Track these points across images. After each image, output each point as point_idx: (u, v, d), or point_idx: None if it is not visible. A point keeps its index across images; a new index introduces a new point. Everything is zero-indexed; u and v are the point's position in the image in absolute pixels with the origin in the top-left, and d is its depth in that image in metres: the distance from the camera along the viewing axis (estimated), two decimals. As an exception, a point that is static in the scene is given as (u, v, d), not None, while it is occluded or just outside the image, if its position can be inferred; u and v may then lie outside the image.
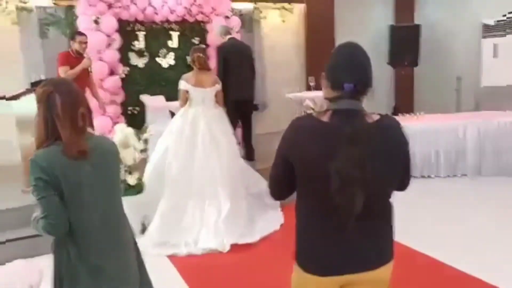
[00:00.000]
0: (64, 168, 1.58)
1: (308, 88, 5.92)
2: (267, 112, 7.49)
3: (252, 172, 4.43)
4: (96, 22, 5.43)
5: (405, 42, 7.61)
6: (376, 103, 5.03)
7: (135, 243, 1.89)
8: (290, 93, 6.22)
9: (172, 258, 3.60)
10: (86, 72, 4.87)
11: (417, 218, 4.07)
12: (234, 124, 5.03)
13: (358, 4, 8.06)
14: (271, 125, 7.48)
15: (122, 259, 1.78)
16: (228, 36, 5.22)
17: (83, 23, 5.45)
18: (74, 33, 4.92)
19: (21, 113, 4.23)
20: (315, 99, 4.99)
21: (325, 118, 1.37)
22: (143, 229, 3.86)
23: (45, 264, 1.35)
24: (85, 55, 4.79)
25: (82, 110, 1.66)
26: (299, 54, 7.68)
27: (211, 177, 3.89)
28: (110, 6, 5.59)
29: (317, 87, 5.66)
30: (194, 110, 4.03)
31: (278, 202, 4.21)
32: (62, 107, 1.59)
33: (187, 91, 4.03)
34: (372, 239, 1.41)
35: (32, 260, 1.78)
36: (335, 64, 1.41)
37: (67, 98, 1.62)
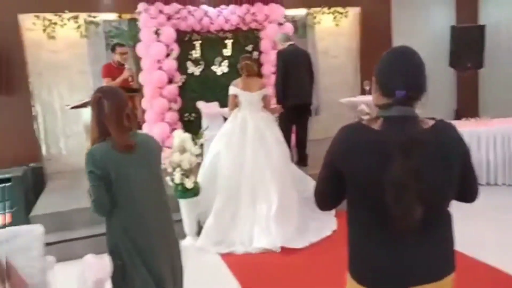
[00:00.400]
0: (114, 160, 1.92)
1: (363, 93, 5.80)
2: (319, 118, 7.43)
3: (304, 176, 4.46)
4: (156, 33, 5.71)
5: (468, 44, 7.22)
6: (435, 107, 4.83)
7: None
8: (343, 98, 6.13)
9: (224, 256, 3.72)
10: (127, 81, 5.17)
11: (481, 228, 3.85)
12: (289, 129, 5.10)
13: (416, 5, 7.78)
14: (322, 131, 7.40)
15: (165, 238, 2.08)
16: (288, 43, 5.25)
17: (144, 35, 5.75)
18: (114, 45, 5.26)
19: (89, 121, 4.54)
20: (370, 104, 4.88)
21: (376, 126, 1.31)
22: (199, 230, 3.99)
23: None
24: (126, 65, 5.10)
25: (127, 112, 1.99)
26: (353, 58, 7.55)
27: (261, 176, 4.02)
28: (169, 17, 5.86)
29: (373, 92, 5.53)
30: (243, 113, 4.23)
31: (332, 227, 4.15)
32: (109, 110, 1.93)
33: (235, 96, 4.25)
34: (433, 250, 1.34)
35: (102, 256, 1.94)
36: (386, 69, 1.36)
37: (113, 102, 1.95)
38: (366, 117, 4.58)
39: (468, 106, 7.82)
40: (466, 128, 5.17)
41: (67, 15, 5.88)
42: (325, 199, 1.48)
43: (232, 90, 4.27)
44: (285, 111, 4.85)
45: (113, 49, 5.19)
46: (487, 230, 3.93)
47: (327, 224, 4.09)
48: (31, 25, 5.84)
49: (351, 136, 1.36)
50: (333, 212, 4.19)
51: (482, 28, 7.32)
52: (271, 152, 4.12)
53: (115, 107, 1.95)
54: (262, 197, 3.98)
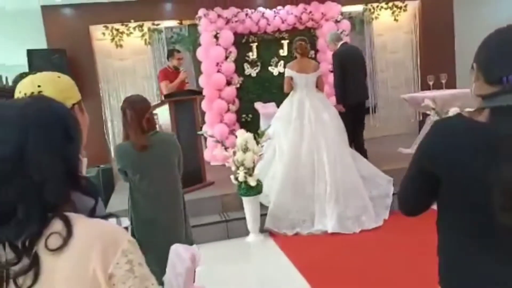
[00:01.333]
0: (132, 157, 2.50)
1: (426, 88, 5.59)
2: (376, 115, 7.26)
3: (361, 157, 4.55)
4: (215, 37, 5.88)
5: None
6: None
7: (184, 208, 2.76)
8: (405, 94, 5.95)
9: (285, 247, 3.82)
10: (183, 83, 5.38)
11: None
12: (350, 129, 5.08)
13: (481, -5, 7.37)
14: (380, 129, 7.24)
15: (172, 216, 2.61)
16: (340, 42, 5.26)
17: (204, 39, 5.95)
18: (172, 51, 5.46)
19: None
20: (435, 99, 4.70)
21: (481, 118, 1.12)
22: (262, 228, 4.07)
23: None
24: (181, 69, 5.30)
25: (147, 116, 2.49)
26: (413, 53, 7.30)
27: (319, 156, 4.15)
28: (228, 21, 6.01)
29: (436, 86, 5.32)
30: (299, 95, 4.41)
31: (389, 197, 4.24)
32: (130, 118, 2.45)
33: (291, 78, 4.43)
34: None
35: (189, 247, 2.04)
36: (491, 53, 1.18)
37: (134, 111, 2.46)
38: (432, 113, 4.43)
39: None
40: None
41: (132, 24, 6.22)
42: (412, 202, 1.34)
43: (288, 72, 4.47)
44: (346, 110, 4.94)
45: (171, 55, 5.42)
46: None
47: (381, 212, 4.11)
48: (100, 35, 6.25)
49: (450, 130, 1.18)
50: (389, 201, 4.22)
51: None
52: (329, 133, 4.25)
53: (136, 115, 2.45)
54: (320, 177, 4.12)
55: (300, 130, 4.27)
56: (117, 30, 6.20)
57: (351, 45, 5.58)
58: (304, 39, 4.67)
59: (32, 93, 1.16)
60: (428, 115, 5.11)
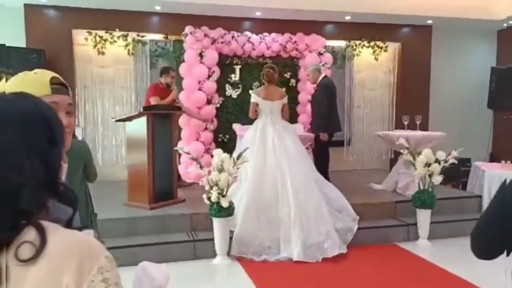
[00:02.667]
0: None
1: (401, 127, 5.77)
2: (351, 149, 7.40)
3: (326, 182, 4.59)
4: (200, 55, 5.90)
5: (509, 85, 7.11)
6: (471, 148, 4.78)
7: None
8: (380, 131, 6.11)
9: (252, 273, 3.74)
10: (173, 102, 5.35)
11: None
12: (327, 157, 5.39)
13: (457, 45, 7.76)
14: (353, 162, 7.37)
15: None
16: (322, 75, 5.52)
17: (189, 56, 5.95)
18: (168, 69, 5.43)
19: (131, 134, 4.68)
20: (409, 139, 4.84)
21: None
22: (229, 250, 4.00)
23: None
24: (173, 87, 5.28)
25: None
26: (390, 92, 7.55)
27: (282, 181, 4.16)
28: (214, 41, 6.06)
29: (411, 126, 5.49)
30: (263, 120, 4.48)
31: (351, 233, 4.28)
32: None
33: (256, 104, 4.50)
34: None
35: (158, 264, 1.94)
36: None
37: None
38: (405, 152, 4.56)
39: (504, 149, 7.62)
40: (509, 170, 5.06)
41: (117, 33, 6.16)
42: (490, 245, 1.30)
43: (254, 98, 4.56)
44: (328, 138, 5.28)
45: (165, 72, 5.35)
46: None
47: (338, 245, 4.09)
48: (82, 40, 6.14)
49: None
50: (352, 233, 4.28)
51: (524, 70, 7.21)
52: (292, 158, 4.28)
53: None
54: (284, 202, 4.11)
55: (263, 155, 4.32)
56: (101, 37, 6.11)
57: (330, 78, 5.79)
58: (272, 67, 4.76)
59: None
60: (401, 153, 5.24)
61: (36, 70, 1.20)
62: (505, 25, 7.38)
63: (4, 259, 0.69)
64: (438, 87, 7.65)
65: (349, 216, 4.36)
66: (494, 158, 7.62)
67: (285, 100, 4.60)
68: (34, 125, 0.77)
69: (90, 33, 6.10)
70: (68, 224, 0.79)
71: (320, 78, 5.49)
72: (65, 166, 0.89)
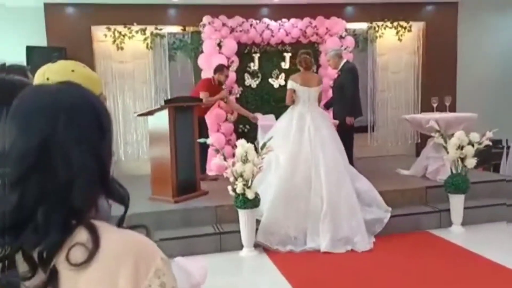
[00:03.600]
0: None
1: (429, 109, 5.55)
2: (375, 134, 7.21)
3: (358, 174, 4.41)
4: (219, 45, 5.82)
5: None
6: (502, 130, 4.53)
7: None
8: (407, 115, 5.91)
9: (279, 262, 3.69)
10: (221, 101, 5.44)
11: None
12: (352, 143, 5.32)
13: (485, 21, 7.39)
14: (378, 148, 7.17)
15: None
16: (344, 60, 5.42)
17: (207, 47, 5.88)
18: (223, 66, 5.39)
19: (153, 128, 4.66)
20: (438, 121, 4.63)
21: None
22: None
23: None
24: (224, 86, 5.26)
25: None
26: (415, 74, 7.28)
27: (316, 171, 4.04)
28: (232, 30, 5.96)
29: (439, 108, 5.27)
30: (300, 107, 4.30)
31: (381, 224, 4.13)
32: None
33: (294, 90, 4.33)
34: None
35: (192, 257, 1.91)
36: None
37: None
38: (436, 135, 4.37)
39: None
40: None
41: (135, 27, 6.14)
42: None
43: (291, 84, 4.36)
44: (353, 122, 5.26)
45: (220, 69, 5.31)
46: None
47: (367, 240, 3.96)
48: (102, 37, 6.15)
49: None
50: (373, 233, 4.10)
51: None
52: (328, 149, 4.14)
53: None
54: (316, 193, 4.00)
55: (298, 144, 4.17)
56: (119, 32, 6.10)
57: (352, 63, 5.67)
58: (309, 52, 4.60)
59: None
60: (430, 136, 5.05)
61: (82, 64, 1.19)
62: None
63: (55, 264, 0.64)
64: (466, 66, 7.32)
65: (381, 208, 4.20)
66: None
67: (321, 87, 4.50)
68: (84, 116, 0.71)
69: (109, 29, 6.10)
70: (120, 223, 0.74)
71: (342, 63, 5.36)
72: (113, 160, 0.82)
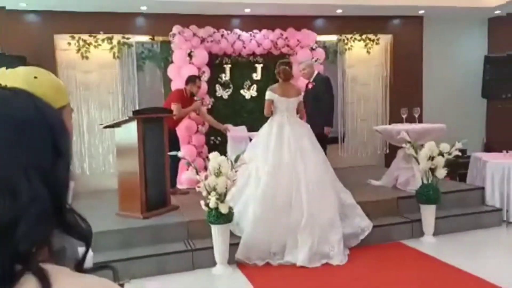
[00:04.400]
0: None
1: (396, 121, 5.65)
2: (344, 146, 7.26)
3: (345, 190, 4.35)
4: (190, 55, 5.70)
5: (504, 73, 7.03)
6: (465, 138, 4.68)
7: None
8: (374, 126, 5.99)
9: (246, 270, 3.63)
10: (195, 112, 5.32)
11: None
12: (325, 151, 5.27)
13: (448, 34, 7.66)
14: (347, 160, 7.22)
15: None
16: (316, 71, 5.46)
17: (178, 57, 5.75)
18: (195, 77, 5.27)
19: (121, 140, 4.46)
20: (409, 132, 4.70)
21: None
22: (231, 258, 3.81)
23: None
24: (196, 98, 5.14)
25: None
26: (384, 86, 7.42)
27: (297, 184, 3.97)
28: (203, 40, 5.86)
29: (408, 119, 5.36)
30: (279, 118, 4.27)
31: (357, 239, 4.12)
32: None
33: (272, 101, 4.30)
34: None
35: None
36: None
37: None
38: (407, 146, 4.41)
39: (498, 139, 7.54)
40: (510, 160, 4.96)
41: (101, 36, 5.92)
42: None
43: (269, 95, 4.32)
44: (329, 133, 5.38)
45: (192, 80, 5.18)
46: None
47: (342, 253, 3.92)
48: (65, 45, 5.88)
49: None
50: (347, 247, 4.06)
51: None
52: (308, 161, 4.08)
53: None
54: (296, 207, 3.92)
55: (279, 155, 4.09)
56: (84, 41, 5.86)
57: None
58: (287, 62, 4.55)
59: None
60: (399, 147, 5.11)
61: (46, 71, 1.04)
62: (498, 11, 7.29)
63: None
64: (431, 78, 7.54)
65: (362, 221, 4.16)
66: (488, 148, 7.55)
67: (301, 97, 4.42)
68: (35, 133, 0.57)
69: (73, 37, 5.84)
70: (80, 266, 0.60)
71: (315, 74, 5.41)
72: (71, 185, 0.67)
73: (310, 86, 5.38)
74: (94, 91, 6.10)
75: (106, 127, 4.61)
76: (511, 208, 4.85)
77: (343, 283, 3.52)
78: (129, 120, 4.26)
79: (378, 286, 3.45)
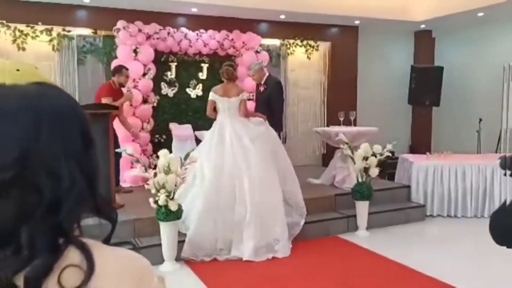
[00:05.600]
0: None
1: (334, 123, 6.03)
2: (286, 146, 7.55)
3: (294, 182, 4.54)
4: (135, 52, 5.63)
5: (426, 82, 7.77)
6: (394, 141, 5.17)
7: None
8: (314, 128, 6.33)
9: (203, 275, 3.68)
10: (122, 104, 5.01)
11: (446, 256, 4.07)
12: None
13: (380, 44, 8.30)
14: (289, 159, 7.52)
15: None
16: (267, 74, 5.46)
17: (122, 52, 5.65)
18: (121, 67, 5.05)
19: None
20: (346, 134, 5.06)
21: None
22: (178, 255, 3.87)
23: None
24: (126, 88, 4.95)
25: None
26: (322, 90, 7.85)
27: (240, 180, 4.11)
28: (148, 37, 5.81)
29: (345, 122, 5.76)
30: (221, 118, 4.40)
31: (300, 223, 4.40)
32: None
33: (214, 101, 4.44)
34: None
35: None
36: None
37: None
38: (345, 147, 4.75)
39: (421, 142, 8.32)
40: (433, 161, 5.52)
41: (40, 27, 5.64)
42: None
43: (211, 96, 4.47)
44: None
45: (118, 71, 4.96)
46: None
47: (287, 246, 4.16)
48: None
49: None
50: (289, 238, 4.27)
51: (441, 69, 7.92)
52: (250, 158, 4.22)
53: None
54: (241, 203, 4.06)
55: (221, 154, 4.21)
56: (21, 31, 5.55)
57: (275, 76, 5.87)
58: (231, 64, 4.70)
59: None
60: (336, 148, 5.48)
61: (28, 64, 1.02)
62: (423, 26, 8.03)
63: None
64: (365, 84, 8.12)
65: (298, 211, 4.45)
66: (413, 149, 8.30)
67: (243, 96, 4.49)
68: (69, 124, 0.63)
69: (8, 27, 5.50)
70: (107, 241, 0.68)
71: (265, 77, 5.40)
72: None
73: (262, 89, 5.40)
74: (30, 84, 5.78)
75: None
76: (434, 204, 5.42)
77: (288, 274, 3.74)
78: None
79: (318, 276, 3.71)
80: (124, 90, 5.23)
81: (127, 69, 5.09)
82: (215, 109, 4.46)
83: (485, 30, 7.45)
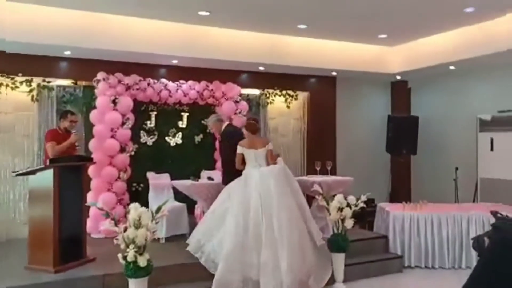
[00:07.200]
0: None
1: (313, 172, 6.07)
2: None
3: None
4: (114, 102, 5.69)
5: (403, 132, 7.95)
6: (372, 189, 5.21)
7: None
8: (296, 177, 6.34)
9: None
10: (73, 147, 4.90)
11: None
12: None
13: (357, 94, 8.56)
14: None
15: None
16: (225, 123, 5.43)
17: (101, 102, 5.71)
18: (66, 112, 4.99)
19: (34, 186, 4.25)
20: (321, 184, 5.10)
21: None
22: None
23: None
24: (73, 131, 4.89)
25: None
26: (302, 138, 7.97)
27: (268, 223, 4.26)
28: (128, 88, 5.90)
29: (322, 171, 5.81)
30: (250, 168, 4.71)
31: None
32: None
33: (242, 154, 4.77)
34: None
35: None
36: None
37: None
38: (320, 198, 4.77)
39: (401, 190, 8.39)
40: (409, 211, 5.54)
41: (20, 78, 5.71)
42: None
43: (239, 149, 4.78)
44: None
45: (63, 116, 4.93)
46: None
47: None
48: (-23, 84, 5.58)
49: None
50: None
51: (416, 118, 8.14)
52: (276, 199, 4.39)
53: None
54: (267, 245, 4.18)
55: (247, 198, 4.42)
56: (1, 84, 5.59)
57: (234, 126, 5.73)
58: (255, 118, 5.25)
59: None
60: (314, 198, 5.49)
61: None
62: (398, 77, 8.34)
63: None
64: (343, 133, 8.29)
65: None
66: (392, 197, 8.35)
67: (269, 146, 4.82)
68: None
69: (-14, 77, 5.56)
70: None
71: (224, 126, 5.35)
72: None
73: (218, 139, 5.45)
74: (8, 134, 5.77)
75: (19, 174, 4.38)
76: (412, 254, 5.39)
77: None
78: (45, 168, 4.11)
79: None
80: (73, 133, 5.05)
81: (72, 113, 4.97)
82: (243, 161, 4.75)
83: (459, 81, 7.76)
